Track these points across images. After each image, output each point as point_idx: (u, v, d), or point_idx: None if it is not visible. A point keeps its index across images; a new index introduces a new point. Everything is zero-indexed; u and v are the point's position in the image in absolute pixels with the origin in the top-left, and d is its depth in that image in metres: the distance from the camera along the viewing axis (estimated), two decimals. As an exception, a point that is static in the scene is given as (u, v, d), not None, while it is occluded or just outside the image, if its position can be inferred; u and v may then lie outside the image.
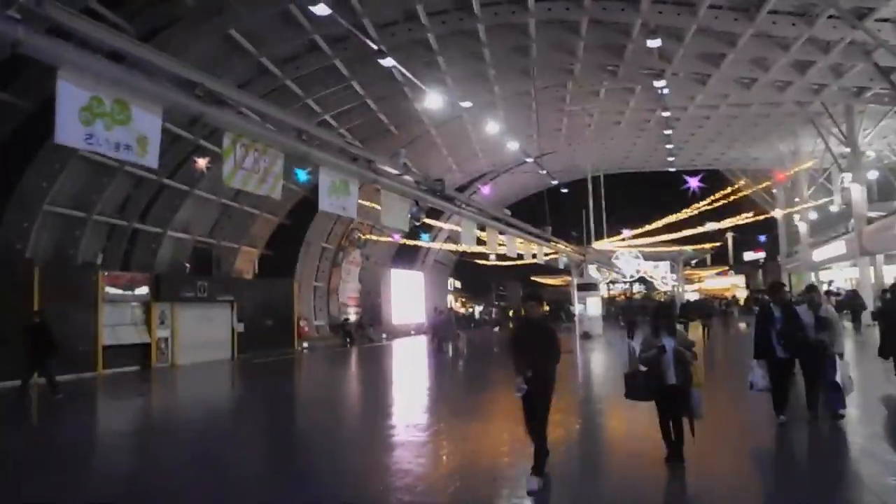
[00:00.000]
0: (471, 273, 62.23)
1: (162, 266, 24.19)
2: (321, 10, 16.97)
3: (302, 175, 22.36)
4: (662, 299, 46.62)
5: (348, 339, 32.22)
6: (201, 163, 20.04)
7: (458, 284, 67.17)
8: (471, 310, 68.00)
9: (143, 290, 21.17)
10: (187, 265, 24.81)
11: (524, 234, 18.87)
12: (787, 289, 8.86)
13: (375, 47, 20.06)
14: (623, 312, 26.54)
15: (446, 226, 36.52)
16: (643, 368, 6.76)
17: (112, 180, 19.66)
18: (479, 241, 17.97)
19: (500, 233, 17.33)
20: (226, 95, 6.73)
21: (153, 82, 5.98)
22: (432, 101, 23.67)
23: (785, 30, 20.56)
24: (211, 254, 26.59)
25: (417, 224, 13.49)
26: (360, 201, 10.12)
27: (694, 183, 30.38)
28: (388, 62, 20.45)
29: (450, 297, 61.23)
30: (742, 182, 35.16)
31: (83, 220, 19.56)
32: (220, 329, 24.69)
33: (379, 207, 11.03)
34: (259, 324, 26.57)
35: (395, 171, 10.99)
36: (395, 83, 23.96)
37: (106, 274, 19.77)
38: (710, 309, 28.63)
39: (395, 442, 9.06)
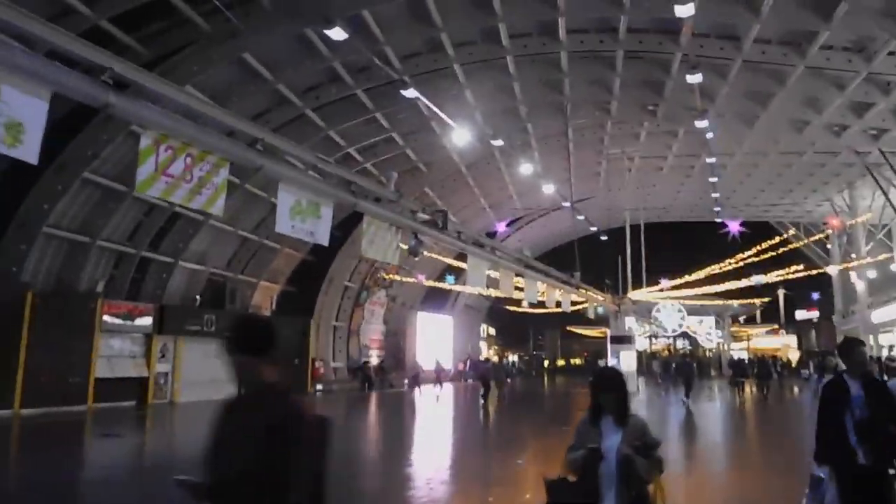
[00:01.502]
0: (506, 320, 60.27)
1: (174, 298, 23.38)
2: (337, 34, 16.18)
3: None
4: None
5: (367, 384, 30.85)
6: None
7: (491, 331, 65.21)
8: (505, 359, 65.92)
9: (146, 322, 20.28)
10: (198, 298, 23.93)
11: (546, 279, 17.32)
12: (867, 350, 5.49)
13: (397, 76, 19.28)
14: (678, 369, 24.86)
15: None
16: (571, 478, 3.88)
17: (120, 205, 18.96)
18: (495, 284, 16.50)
19: (518, 275, 15.86)
20: (140, 82, 5.59)
21: (36, 58, 4.88)
22: (461, 136, 22.66)
23: (840, 66, 18.90)
24: (225, 287, 25.71)
25: (416, 258, 12.22)
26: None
27: (735, 228, 28.28)
28: (410, 93, 19.56)
29: (482, 344, 59.32)
30: (792, 232, 32.82)
31: (87, 245, 18.85)
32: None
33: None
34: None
35: (388, 197, 9.75)
36: (422, 117, 23.03)
37: (105, 303, 18.91)
38: (769, 369, 26.57)
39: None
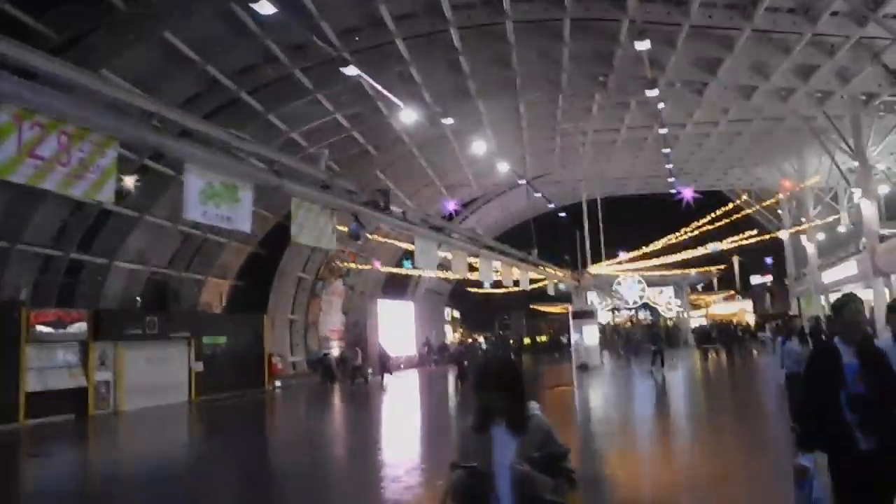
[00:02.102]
0: (470, 302, 59.84)
1: (112, 301, 22.08)
2: (265, 8, 15.09)
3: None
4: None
5: (328, 377, 29.94)
6: (128, 181, 17.82)
7: (456, 314, 64.72)
8: (471, 341, 65.53)
9: (80, 328, 18.97)
10: (138, 299, 22.66)
11: (501, 258, 16.67)
12: (861, 312, 4.32)
13: (335, 53, 18.29)
14: (651, 339, 25.08)
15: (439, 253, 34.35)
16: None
17: (40, 205, 17.57)
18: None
19: (472, 255, 15.17)
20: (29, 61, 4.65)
21: None
22: (409, 116, 21.75)
23: (785, 28, 18.58)
24: (168, 286, 24.45)
25: (359, 242, 11.45)
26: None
27: (688, 194, 28.08)
28: (351, 71, 18.58)
29: (447, 328, 58.77)
30: (745, 197, 32.92)
31: (5, 250, 17.44)
32: (174, 369, 22.49)
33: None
34: (223, 362, 24.43)
35: (319, 177, 8.91)
36: (367, 97, 22.02)
37: (32, 311, 17.57)
38: (733, 334, 26.80)
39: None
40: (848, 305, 4.13)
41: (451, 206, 23.73)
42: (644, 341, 41.82)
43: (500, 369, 2.99)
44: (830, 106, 23.07)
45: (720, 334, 27.05)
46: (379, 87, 19.98)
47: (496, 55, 20.92)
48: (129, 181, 17.55)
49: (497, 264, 18.14)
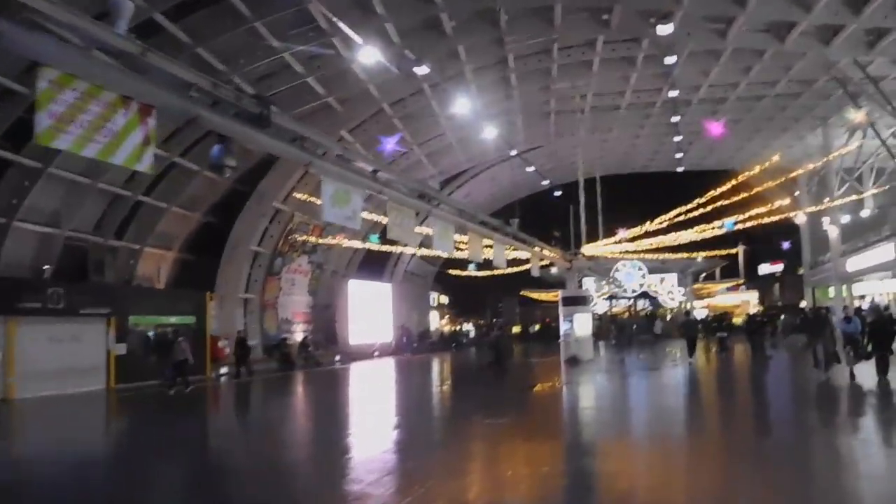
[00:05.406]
0: (460, 287, 56.06)
1: (17, 269, 18.59)
2: None
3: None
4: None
5: (287, 363, 26.44)
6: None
7: (443, 299, 61.01)
8: (459, 328, 62.07)
9: (-43, 300, 15.47)
10: (46, 267, 19.09)
11: (467, 223, 13.00)
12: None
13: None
14: (686, 329, 23.15)
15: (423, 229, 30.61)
16: None
17: None
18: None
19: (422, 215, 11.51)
20: None
21: None
22: (372, 55, 17.96)
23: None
24: (87, 255, 20.85)
25: (225, 176, 7.86)
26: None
27: (717, 129, 24.22)
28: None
29: (433, 314, 55.15)
30: (769, 163, 29.07)
31: None
32: (88, 352, 18.95)
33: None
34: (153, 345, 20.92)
35: (109, 42, 5.27)
36: (320, 32, 18.32)
37: None
38: (761, 325, 24.14)
39: None
40: None
41: (391, 143, 19.19)
42: (640, 333, 38.49)
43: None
44: (879, 51, 19.04)
45: (748, 324, 24.07)
46: (329, 14, 16.30)
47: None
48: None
49: (465, 236, 14.51)
